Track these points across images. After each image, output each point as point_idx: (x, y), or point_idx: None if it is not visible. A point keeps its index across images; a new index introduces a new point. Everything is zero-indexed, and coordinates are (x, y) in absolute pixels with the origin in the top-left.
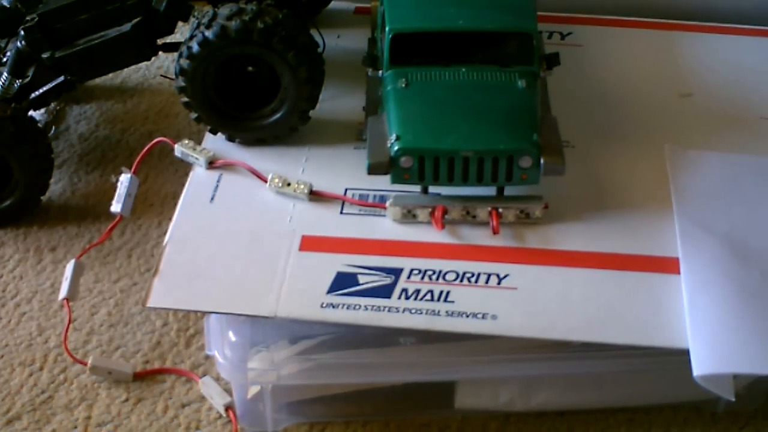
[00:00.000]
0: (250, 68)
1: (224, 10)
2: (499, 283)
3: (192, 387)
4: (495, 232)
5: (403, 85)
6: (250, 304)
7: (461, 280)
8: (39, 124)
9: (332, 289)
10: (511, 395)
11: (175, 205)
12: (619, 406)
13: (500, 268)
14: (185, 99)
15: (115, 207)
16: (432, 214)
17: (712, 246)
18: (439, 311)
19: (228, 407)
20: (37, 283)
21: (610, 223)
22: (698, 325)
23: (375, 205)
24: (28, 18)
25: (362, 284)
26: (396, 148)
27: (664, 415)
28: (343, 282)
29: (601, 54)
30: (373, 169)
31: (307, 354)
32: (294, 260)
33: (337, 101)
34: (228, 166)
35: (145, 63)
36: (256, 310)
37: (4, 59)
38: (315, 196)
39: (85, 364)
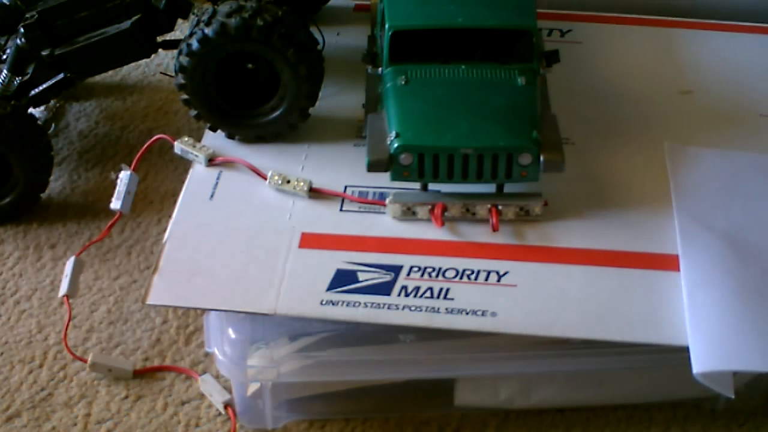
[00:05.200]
0: (250, 65)
1: (224, 8)
2: (498, 281)
3: (191, 384)
4: (494, 229)
5: (403, 83)
6: (250, 302)
7: (461, 278)
8: (39, 122)
9: (332, 287)
10: (511, 392)
11: (175, 202)
12: (619, 404)
13: (500, 265)
14: (185, 96)
15: (115, 204)
16: (432, 211)
17: (711, 243)
18: (438, 308)
19: (227, 404)
20: (37, 281)
21: (610, 220)
22: (698, 323)
23: (375, 202)
24: (27, 15)
25: (362, 281)
26: (396, 145)
27: (663, 412)
28: (342, 279)
29: (600, 51)
30: (373, 167)
31: (307, 351)
32: (294, 257)
33: (337, 98)
34: (228, 164)
35: (144, 60)
36: (256, 307)
37: (4, 56)
38: (315, 193)
39: (85, 362)
